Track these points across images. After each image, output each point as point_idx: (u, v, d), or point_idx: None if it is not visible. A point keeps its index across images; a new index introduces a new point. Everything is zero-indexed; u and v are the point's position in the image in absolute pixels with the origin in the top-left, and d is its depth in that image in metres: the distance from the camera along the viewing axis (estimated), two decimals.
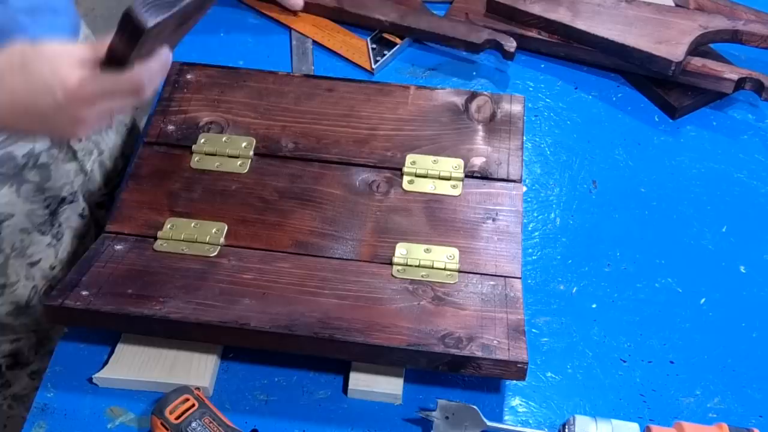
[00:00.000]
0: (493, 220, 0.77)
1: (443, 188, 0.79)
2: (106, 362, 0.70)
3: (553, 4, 0.98)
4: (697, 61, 0.92)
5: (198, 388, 0.67)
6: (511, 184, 0.80)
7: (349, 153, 0.81)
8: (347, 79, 0.89)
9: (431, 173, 0.80)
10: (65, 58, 0.56)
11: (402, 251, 0.74)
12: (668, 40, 0.91)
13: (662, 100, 0.94)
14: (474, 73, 0.99)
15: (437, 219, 0.77)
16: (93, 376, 0.69)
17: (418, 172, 0.80)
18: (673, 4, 1.00)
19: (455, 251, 0.74)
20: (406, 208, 0.78)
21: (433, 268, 0.73)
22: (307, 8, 1.03)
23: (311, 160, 0.81)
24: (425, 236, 0.76)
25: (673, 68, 0.89)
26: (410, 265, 0.73)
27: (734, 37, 0.94)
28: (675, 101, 0.93)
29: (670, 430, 0.64)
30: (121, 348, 0.71)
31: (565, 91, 0.97)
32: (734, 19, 0.94)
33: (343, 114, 0.84)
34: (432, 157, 0.81)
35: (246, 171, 0.79)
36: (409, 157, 0.81)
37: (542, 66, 1.00)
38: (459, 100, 0.86)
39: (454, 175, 0.79)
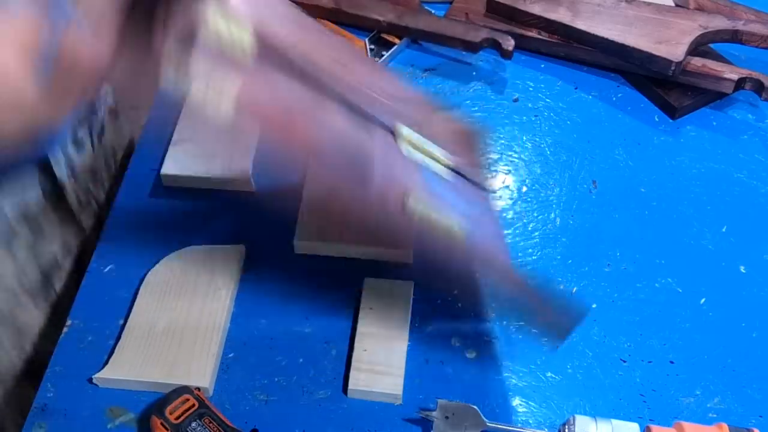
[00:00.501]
0: None
1: (435, 166, 0.76)
2: (106, 362, 0.70)
3: (553, 4, 0.98)
4: (697, 61, 0.92)
5: (198, 388, 0.67)
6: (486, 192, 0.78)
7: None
8: None
9: (425, 148, 0.74)
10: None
11: None
12: (668, 40, 0.91)
13: (662, 100, 0.94)
14: (474, 74, 0.99)
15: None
16: (93, 377, 0.69)
17: (414, 141, 0.74)
18: (673, 4, 1.00)
19: None
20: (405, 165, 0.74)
21: None
22: (305, 9, 1.03)
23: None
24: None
25: (673, 68, 0.89)
26: None
27: (734, 37, 0.94)
28: (675, 101, 0.93)
29: (670, 430, 0.64)
30: (121, 348, 0.71)
31: (565, 91, 0.97)
32: (734, 19, 0.94)
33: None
34: (421, 136, 0.76)
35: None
36: (401, 126, 0.75)
37: (542, 66, 1.00)
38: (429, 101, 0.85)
39: (442, 158, 0.76)
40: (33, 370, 0.77)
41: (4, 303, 0.75)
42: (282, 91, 0.67)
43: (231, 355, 0.72)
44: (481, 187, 0.77)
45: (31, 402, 0.69)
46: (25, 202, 0.76)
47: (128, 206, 0.85)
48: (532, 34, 0.99)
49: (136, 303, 0.74)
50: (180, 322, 0.72)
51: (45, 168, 0.79)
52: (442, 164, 0.76)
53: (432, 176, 0.73)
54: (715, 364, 0.72)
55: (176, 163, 0.84)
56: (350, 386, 0.68)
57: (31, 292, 0.79)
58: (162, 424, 0.63)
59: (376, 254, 0.79)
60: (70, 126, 0.82)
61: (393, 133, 0.73)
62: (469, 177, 0.77)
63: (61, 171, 0.81)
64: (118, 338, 0.71)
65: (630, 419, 0.65)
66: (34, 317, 0.79)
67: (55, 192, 0.81)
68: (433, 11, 1.04)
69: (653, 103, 0.95)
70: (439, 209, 0.68)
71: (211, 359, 0.70)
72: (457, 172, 0.77)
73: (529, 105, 0.95)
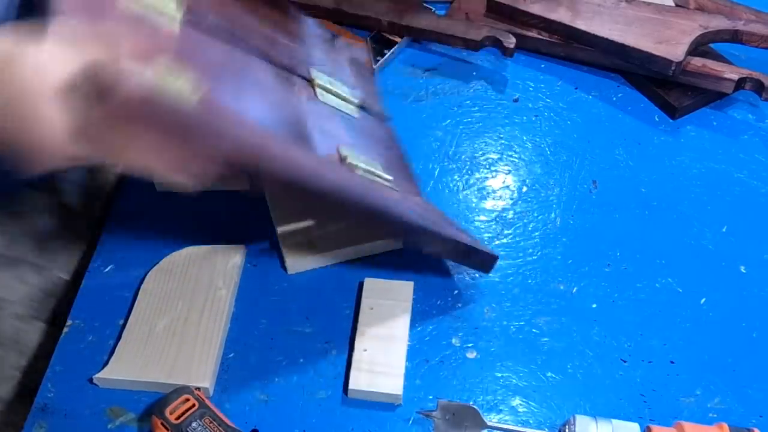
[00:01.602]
0: None
1: (348, 110, 0.82)
2: (107, 362, 0.70)
3: (553, 4, 0.98)
4: (697, 61, 0.92)
5: (198, 388, 0.67)
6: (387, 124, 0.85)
7: (267, 51, 0.77)
8: None
9: (338, 92, 0.81)
10: (44, 92, 0.48)
11: None
12: (668, 40, 0.91)
13: (662, 100, 0.94)
14: (474, 73, 0.99)
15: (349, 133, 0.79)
16: (93, 377, 0.69)
17: (327, 87, 0.80)
18: (673, 4, 1.00)
19: None
20: (322, 113, 0.78)
21: None
22: (306, 9, 1.03)
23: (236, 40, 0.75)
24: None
25: (673, 68, 0.89)
26: None
27: (734, 37, 0.94)
28: (675, 101, 0.93)
29: (671, 430, 0.64)
30: (121, 348, 0.71)
31: (565, 91, 0.97)
32: (734, 19, 0.94)
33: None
34: (332, 78, 0.83)
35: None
36: (315, 71, 0.81)
37: (542, 66, 1.00)
38: (329, 35, 0.90)
39: (352, 99, 0.83)
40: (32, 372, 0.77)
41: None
42: (212, 52, 0.67)
43: (231, 355, 0.72)
44: (382, 118, 0.85)
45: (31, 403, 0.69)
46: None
47: (128, 206, 0.85)
48: (532, 34, 0.99)
49: (136, 303, 0.74)
50: (180, 322, 0.72)
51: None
52: (352, 104, 0.82)
53: (348, 122, 0.79)
54: (715, 364, 0.72)
55: None
56: (350, 386, 0.68)
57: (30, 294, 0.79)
58: (162, 424, 0.63)
59: (368, 250, 0.79)
60: None
61: (309, 80, 0.79)
62: (373, 111, 0.84)
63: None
64: (119, 338, 0.71)
65: (630, 419, 0.65)
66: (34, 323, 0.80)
67: (55, 192, 0.82)
68: (433, 10, 1.04)
69: (653, 103, 0.95)
70: (368, 161, 0.72)
71: (212, 359, 0.70)
72: (363, 108, 0.83)
73: (530, 105, 0.95)
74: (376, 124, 0.84)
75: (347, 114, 0.80)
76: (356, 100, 0.83)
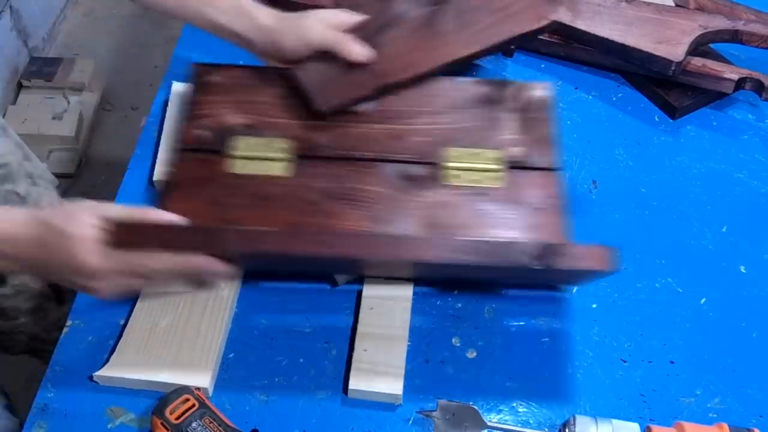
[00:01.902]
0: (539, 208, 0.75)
1: (486, 180, 0.77)
2: (107, 361, 0.70)
3: (553, 4, 0.98)
4: (697, 61, 0.92)
5: (198, 388, 0.67)
6: (552, 173, 0.78)
7: (388, 149, 0.79)
8: None
9: (472, 166, 0.78)
10: (83, 244, 0.61)
11: None
12: (668, 40, 0.91)
13: (662, 100, 0.94)
14: (474, 74, 0.99)
15: (484, 212, 0.76)
16: (94, 374, 0.69)
17: (459, 165, 0.78)
18: (673, 4, 1.00)
19: None
20: (451, 203, 0.76)
21: None
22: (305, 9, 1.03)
23: (351, 159, 0.79)
24: (474, 229, 0.74)
25: (673, 68, 0.89)
26: None
27: (734, 37, 0.94)
28: (675, 101, 0.93)
29: (671, 430, 0.64)
30: (122, 347, 0.71)
31: (565, 91, 0.97)
32: (734, 19, 0.94)
33: (376, 109, 0.82)
34: (471, 150, 0.79)
35: (288, 173, 0.77)
36: (449, 151, 0.79)
37: (542, 66, 1.00)
38: (489, 90, 0.84)
39: (494, 166, 0.78)
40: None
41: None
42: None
43: (231, 355, 0.72)
44: (549, 166, 0.79)
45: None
46: None
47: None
48: None
49: (138, 301, 0.74)
50: (182, 321, 0.72)
51: None
52: (497, 171, 0.78)
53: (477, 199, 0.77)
54: (715, 364, 0.72)
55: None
56: (350, 386, 0.68)
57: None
58: (162, 424, 0.63)
59: None
60: None
61: (439, 164, 0.79)
62: (532, 163, 0.79)
63: None
64: (119, 337, 0.71)
65: (630, 419, 0.65)
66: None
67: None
68: None
69: (653, 103, 0.95)
70: None
71: (212, 360, 0.70)
72: (518, 166, 0.79)
73: None
74: (529, 181, 0.78)
75: (483, 188, 0.77)
76: (503, 165, 0.78)
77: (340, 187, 0.77)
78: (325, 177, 0.77)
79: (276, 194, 0.76)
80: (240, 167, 0.78)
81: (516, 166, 0.78)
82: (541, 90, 0.84)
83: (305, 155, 0.79)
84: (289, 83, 0.83)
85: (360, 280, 0.76)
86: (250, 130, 0.80)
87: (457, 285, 0.77)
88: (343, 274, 0.76)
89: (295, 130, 0.80)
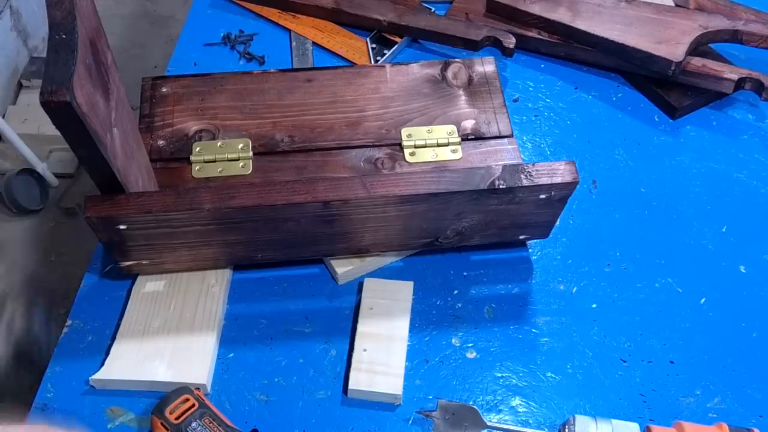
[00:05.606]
0: None
1: (444, 154, 0.81)
2: (103, 364, 0.70)
3: (553, 4, 0.98)
4: (697, 61, 0.92)
5: (198, 388, 0.67)
6: (505, 140, 0.82)
7: (345, 137, 0.82)
8: (323, 68, 0.89)
9: (429, 142, 0.81)
10: None
11: None
12: (668, 40, 0.91)
13: (662, 100, 0.94)
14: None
15: None
16: (89, 378, 0.69)
17: (417, 143, 0.81)
18: (673, 4, 1.00)
19: None
20: None
21: None
22: (306, 10, 1.03)
23: (310, 150, 0.81)
24: None
25: (673, 68, 0.89)
26: None
27: (734, 37, 0.94)
28: (675, 101, 0.93)
29: (670, 430, 0.64)
30: (115, 350, 0.70)
31: (565, 91, 0.97)
32: (734, 19, 0.94)
33: (328, 101, 0.85)
34: (425, 128, 0.82)
35: (250, 171, 0.79)
36: (404, 131, 0.82)
37: (542, 66, 1.00)
38: (434, 71, 0.88)
39: (451, 140, 0.81)
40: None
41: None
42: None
43: (231, 355, 0.72)
44: (504, 134, 0.83)
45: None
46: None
47: None
48: (532, 34, 0.99)
49: (129, 303, 0.74)
50: (174, 321, 0.72)
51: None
52: (453, 144, 0.81)
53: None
54: (715, 364, 0.72)
55: None
56: (350, 386, 0.68)
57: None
58: (162, 424, 0.63)
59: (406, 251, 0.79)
60: None
61: (399, 144, 0.80)
62: (489, 132, 0.83)
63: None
64: (112, 340, 0.71)
65: (630, 419, 0.65)
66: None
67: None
68: (433, 10, 1.04)
69: (653, 103, 0.95)
70: None
71: (208, 357, 0.70)
72: (475, 137, 0.82)
73: (529, 105, 0.95)
74: (485, 150, 0.82)
75: (442, 161, 0.80)
76: (459, 138, 0.81)
77: (304, 179, 0.77)
78: (288, 170, 0.79)
79: None
80: (203, 171, 0.79)
81: (470, 137, 0.82)
82: (485, 65, 0.89)
83: (264, 152, 0.80)
84: (238, 85, 0.85)
85: (360, 280, 0.76)
86: (207, 134, 0.82)
87: (430, 248, 0.77)
88: (332, 248, 0.75)
89: (251, 129, 0.82)
